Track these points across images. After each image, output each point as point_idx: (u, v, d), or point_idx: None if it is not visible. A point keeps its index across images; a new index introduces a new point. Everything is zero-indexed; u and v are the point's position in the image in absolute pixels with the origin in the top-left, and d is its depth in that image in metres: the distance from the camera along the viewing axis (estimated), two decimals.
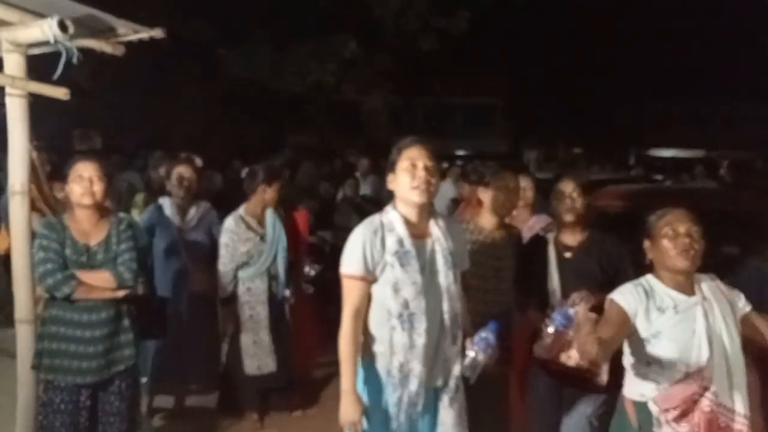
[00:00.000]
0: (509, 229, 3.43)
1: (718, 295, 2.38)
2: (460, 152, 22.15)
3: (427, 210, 2.53)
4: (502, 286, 3.27)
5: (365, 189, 8.25)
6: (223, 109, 15.60)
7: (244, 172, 4.99)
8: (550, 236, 3.16)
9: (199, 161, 5.98)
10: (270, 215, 4.26)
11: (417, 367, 2.39)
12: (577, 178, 3.12)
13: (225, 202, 4.72)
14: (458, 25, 13.49)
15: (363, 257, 2.41)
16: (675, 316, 2.32)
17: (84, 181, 2.90)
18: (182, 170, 4.32)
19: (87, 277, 2.87)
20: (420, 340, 2.38)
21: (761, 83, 15.77)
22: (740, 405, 2.29)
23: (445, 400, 2.51)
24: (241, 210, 4.21)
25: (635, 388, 2.42)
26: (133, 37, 3.36)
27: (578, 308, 2.70)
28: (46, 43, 2.93)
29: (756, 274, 2.69)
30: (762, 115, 20.10)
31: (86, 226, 2.96)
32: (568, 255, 3.04)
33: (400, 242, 2.43)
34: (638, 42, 18.57)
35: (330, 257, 5.90)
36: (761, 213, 3.78)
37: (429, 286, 2.43)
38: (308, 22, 12.41)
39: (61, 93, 3.11)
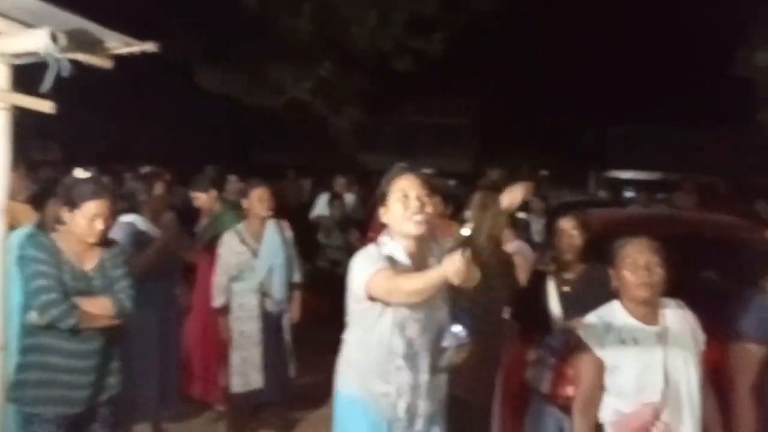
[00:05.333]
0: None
1: (683, 325, 2.38)
2: (426, 171, 22.18)
3: (424, 242, 2.42)
4: (492, 304, 3.23)
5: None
6: (192, 122, 15.37)
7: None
8: (550, 271, 3.15)
9: (167, 176, 5.89)
10: (270, 230, 4.20)
11: (422, 405, 2.34)
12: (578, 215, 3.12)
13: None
14: (433, 47, 13.60)
15: (381, 260, 2.26)
16: (634, 348, 2.31)
17: (95, 221, 2.71)
18: (162, 187, 4.33)
19: (88, 305, 2.67)
20: (424, 377, 2.35)
21: (725, 108, 16.36)
22: None
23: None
24: (241, 224, 4.23)
25: None
26: (124, 51, 3.21)
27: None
28: (32, 54, 2.79)
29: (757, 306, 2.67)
30: (723, 139, 20.72)
31: (80, 249, 2.77)
32: (566, 289, 3.03)
33: None
34: (603, 65, 19.14)
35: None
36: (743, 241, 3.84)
37: (428, 322, 2.36)
38: (286, 40, 12.37)
39: (46, 106, 2.93)
